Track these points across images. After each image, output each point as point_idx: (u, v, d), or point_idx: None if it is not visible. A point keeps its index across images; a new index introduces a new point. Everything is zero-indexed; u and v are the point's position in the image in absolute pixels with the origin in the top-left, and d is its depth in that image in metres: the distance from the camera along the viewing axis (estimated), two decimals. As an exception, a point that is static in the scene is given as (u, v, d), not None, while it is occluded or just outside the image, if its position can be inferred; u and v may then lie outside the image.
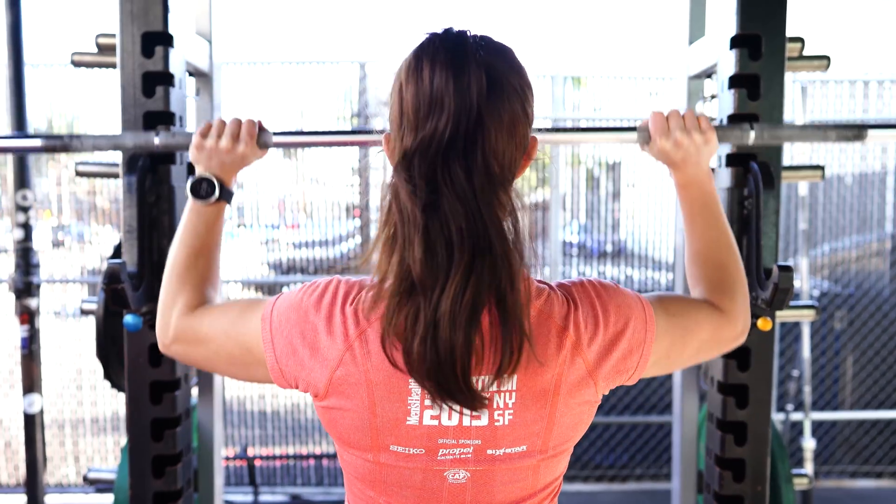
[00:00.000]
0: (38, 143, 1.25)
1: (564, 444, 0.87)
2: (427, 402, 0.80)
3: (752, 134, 1.15)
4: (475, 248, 0.74)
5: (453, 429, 0.82)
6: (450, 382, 0.75)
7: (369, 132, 1.21)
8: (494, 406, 0.81)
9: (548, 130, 1.15)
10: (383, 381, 0.81)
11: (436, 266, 0.74)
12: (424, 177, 0.76)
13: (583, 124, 4.06)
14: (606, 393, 0.88)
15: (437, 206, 0.75)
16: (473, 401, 0.77)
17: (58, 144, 1.23)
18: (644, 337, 0.87)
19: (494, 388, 0.80)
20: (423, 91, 0.78)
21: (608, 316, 0.85)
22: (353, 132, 1.23)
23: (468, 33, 0.82)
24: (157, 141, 1.21)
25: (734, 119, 1.62)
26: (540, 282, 0.87)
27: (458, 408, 0.79)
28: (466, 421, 0.82)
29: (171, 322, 1.01)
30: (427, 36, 0.82)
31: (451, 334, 0.74)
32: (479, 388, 0.78)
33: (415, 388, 0.80)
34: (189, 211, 1.04)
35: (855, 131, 1.15)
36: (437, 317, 0.74)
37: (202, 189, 1.03)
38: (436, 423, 0.82)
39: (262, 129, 1.09)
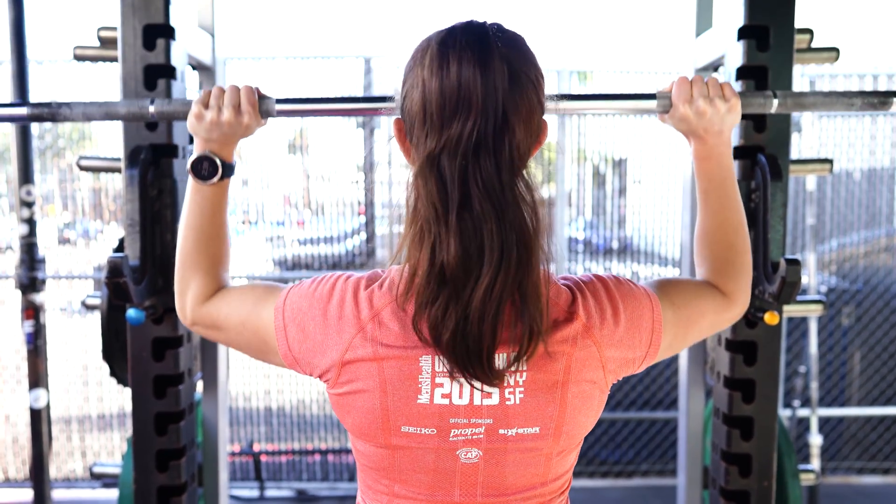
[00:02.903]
0: (24, 111, 1.13)
1: (576, 431, 0.88)
2: (438, 379, 0.83)
3: (776, 102, 1.11)
4: (503, 245, 0.77)
5: (464, 408, 0.83)
6: (475, 367, 0.79)
7: (377, 99, 1.10)
8: (505, 384, 0.83)
9: (562, 97, 1.07)
10: (395, 358, 0.83)
11: (469, 265, 0.78)
12: (455, 177, 0.78)
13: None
14: (616, 381, 0.90)
15: (469, 206, 0.78)
16: (494, 379, 0.81)
17: (45, 112, 1.12)
18: (651, 328, 0.90)
19: (504, 361, 0.83)
20: (450, 87, 0.79)
21: (616, 307, 0.88)
22: (360, 99, 1.07)
23: (487, 25, 0.83)
24: (152, 109, 1.11)
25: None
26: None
27: (478, 384, 0.82)
28: (478, 399, 0.83)
29: (186, 308, 1.01)
30: (449, 28, 0.83)
31: (479, 328, 0.78)
32: (500, 366, 0.81)
33: (425, 365, 0.83)
34: (192, 191, 1.00)
35: (881, 98, 1.11)
36: (467, 312, 0.78)
37: (204, 169, 0.99)
38: (447, 401, 0.83)
39: (262, 96, 1.02)
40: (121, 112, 1.14)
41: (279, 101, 1.04)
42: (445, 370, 0.82)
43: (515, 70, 0.80)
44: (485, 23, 0.83)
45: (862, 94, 1.13)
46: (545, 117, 0.87)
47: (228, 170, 1.01)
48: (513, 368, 0.83)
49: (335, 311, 0.86)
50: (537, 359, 0.83)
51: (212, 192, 1.00)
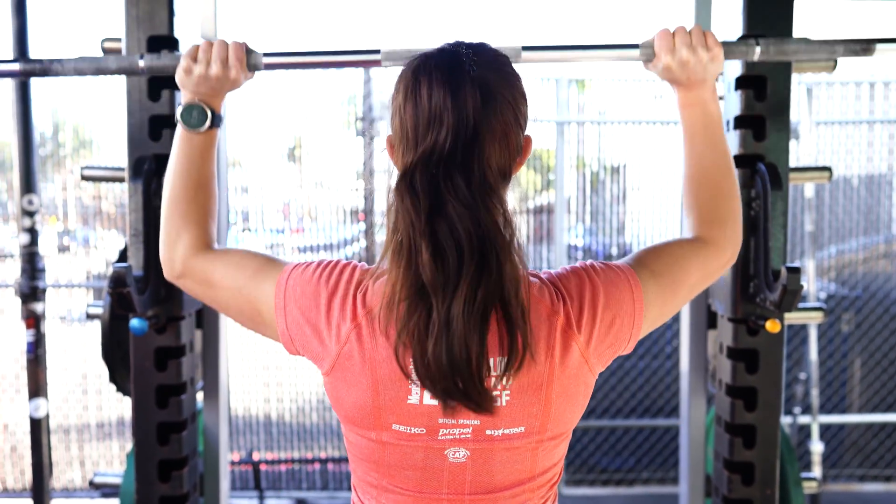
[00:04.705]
0: (16, 67, 1.17)
1: (561, 427, 0.88)
2: None
3: (758, 49, 1.12)
4: (483, 249, 0.76)
5: (453, 408, 0.84)
6: (466, 381, 0.77)
7: (364, 52, 1.12)
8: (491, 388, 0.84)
9: (543, 49, 1.10)
10: (386, 362, 0.83)
11: (446, 268, 0.76)
12: (428, 186, 0.79)
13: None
14: (602, 369, 0.90)
15: (443, 211, 0.78)
16: (485, 401, 0.79)
17: (37, 68, 1.16)
18: (633, 309, 0.90)
19: (492, 371, 0.84)
20: (422, 109, 0.82)
21: (597, 298, 0.88)
22: (347, 52, 1.10)
23: (461, 49, 0.85)
24: (141, 63, 1.14)
25: (741, 121, 1.62)
26: (531, 273, 0.89)
27: (473, 406, 0.80)
28: None
29: (176, 258, 1.00)
30: (421, 56, 0.86)
31: (465, 333, 0.75)
32: (491, 375, 0.80)
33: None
34: (181, 140, 1.02)
35: (863, 45, 1.13)
36: (450, 316, 0.75)
37: (193, 117, 1.01)
38: (435, 402, 0.83)
39: (249, 51, 1.05)
40: (111, 67, 1.17)
41: (267, 55, 1.07)
42: None
43: (490, 91, 0.82)
44: (459, 48, 0.85)
45: (845, 42, 1.13)
46: (529, 133, 0.89)
47: (217, 119, 1.03)
48: (501, 377, 0.83)
49: (338, 303, 0.86)
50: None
51: (200, 140, 1.02)
